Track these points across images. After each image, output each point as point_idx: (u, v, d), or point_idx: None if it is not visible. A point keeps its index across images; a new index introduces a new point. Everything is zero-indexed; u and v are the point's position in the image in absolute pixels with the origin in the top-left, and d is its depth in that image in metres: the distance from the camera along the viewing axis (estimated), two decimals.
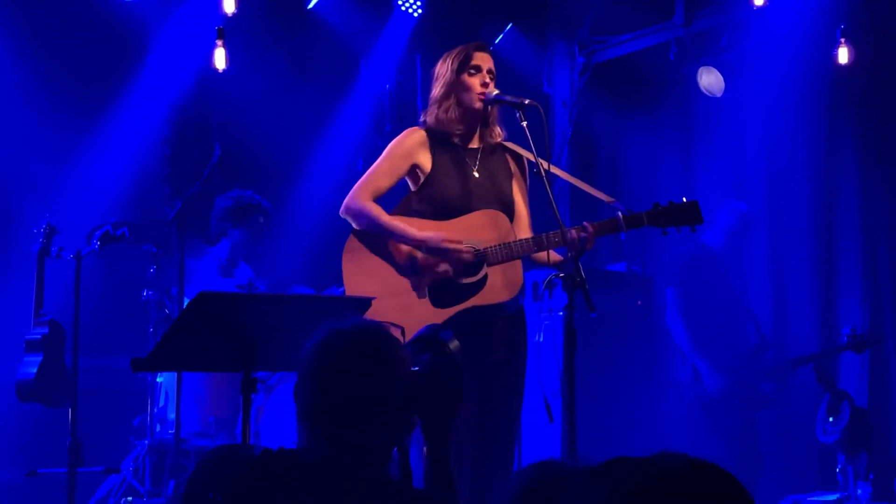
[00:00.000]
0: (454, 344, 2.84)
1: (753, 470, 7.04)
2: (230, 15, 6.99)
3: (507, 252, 4.44)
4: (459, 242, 4.44)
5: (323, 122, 8.63)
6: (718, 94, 8.19)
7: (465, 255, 4.44)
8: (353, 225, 4.60)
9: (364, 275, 4.54)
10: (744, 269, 7.89)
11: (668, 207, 4.47)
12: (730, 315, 7.33)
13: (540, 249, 4.46)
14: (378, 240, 4.55)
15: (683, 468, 1.49)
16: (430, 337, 2.84)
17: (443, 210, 4.54)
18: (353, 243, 4.61)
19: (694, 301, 7.22)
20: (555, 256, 4.54)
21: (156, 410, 6.64)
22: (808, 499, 6.85)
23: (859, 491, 6.79)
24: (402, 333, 2.89)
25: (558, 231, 4.35)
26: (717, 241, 7.39)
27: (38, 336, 6.45)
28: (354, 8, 8.49)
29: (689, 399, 7.23)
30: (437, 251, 4.44)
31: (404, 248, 4.52)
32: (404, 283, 4.50)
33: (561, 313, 4.41)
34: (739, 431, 7.15)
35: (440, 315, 4.39)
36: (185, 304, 5.91)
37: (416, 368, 2.74)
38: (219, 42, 6.87)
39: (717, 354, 7.11)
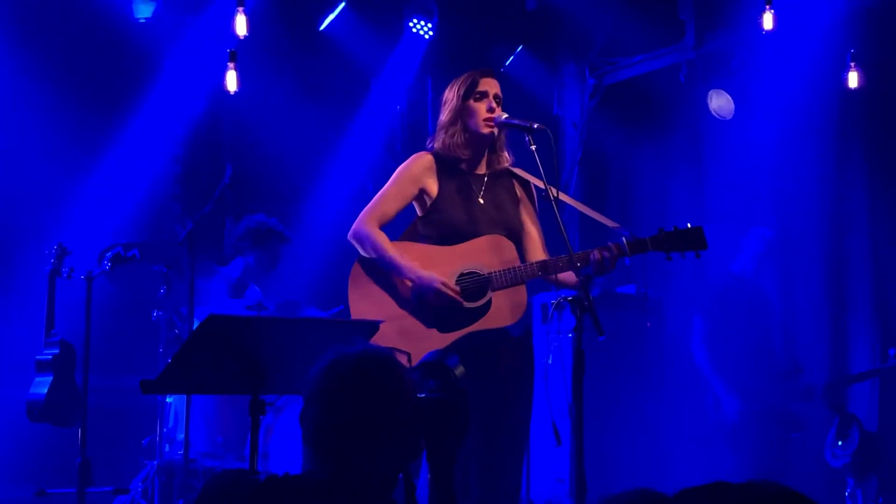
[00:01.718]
0: (460, 370, 2.84)
1: None
2: (242, 37, 7.02)
3: (512, 277, 4.44)
4: (455, 289, 4.45)
5: (334, 143, 8.66)
6: (728, 117, 8.20)
7: (458, 300, 4.46)
8: (360, 251, 4.62)
9: (369, 300, 4.55)
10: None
11: (672, 233, 4.45)
12: (760, 341, 7.30)
13: (546, 273, 4.47)
14: (382, 266, 4.56)
15: (781, 497, 1.52)
16: (437, 363, 2.85)
17: (448, 236, 4.55)
18: (358, 269, 4.62)
19: (722, 329, 7.20)
20: (570, 279, 4.53)
21: (165, 431, 6.65)
22: None
23: None
24: (409, 359, 2.90)
25: (566, 255, 4.36)
26: (747, 268, 7.37)
27: (49, 356, 6.47)
28: (366, 30, 8.52)
29: (710, 423, 7.23)
30: (432, 293, 4.45)
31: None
32: (409, 308, 4.51)
33: (570, 335, 4.40)
34: (758, 455, 7.13)
35: (444, 340, 4.39)
36: (195, 324, 5.93)
37: (423, 395, 2.75)
38: (230, 64, 6.90)
39: (742, 380, 7.08)
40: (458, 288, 4.45)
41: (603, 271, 4.36)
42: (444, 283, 4.43)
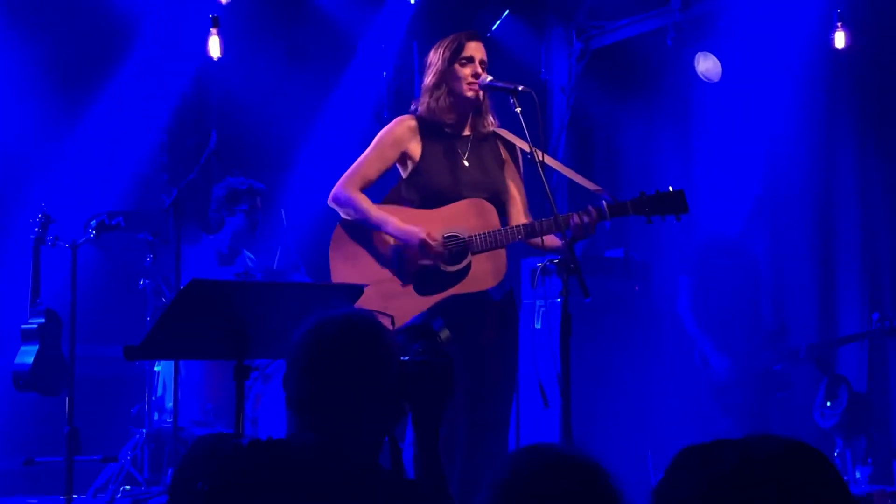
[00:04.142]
0: (445, 333, 2.84)
1: None
2: (226, 3, 6.96)
3: (492, 240, 4.43)
4: (439, 245, 4.44)
5: (320, 109, 8.61)
6: (716, 80, 8.17)
7: (437, 255, 4.44)
8: (341, 214, 4.60)
9: (349, 263, 4.55)
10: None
11: (653, 196, 4.44)
12: (746, 301, 7.28)
13: (529, 236, 4.46)
14: (364, 229, 4.55)
15: (782, 452, 1.51)
16: (421, 326, 2.84)
17: (431, 199, 4.54)
18: (339, 232, 4.62)
19: (708, 289, 7.18)
20: (554, 242, 4.53)
21: (154, 399, 6.64)
22: None
23: (858, 475, 6.80)
24: (392, 322, 2.88)
25: (550, 218, 4.35)
26: (735, 228, 7.34)
27: (35, 325, 6.44)
28: None
29: (698, 384, 7.23)
30: (416, 247, 4.44)
31: (389, 237, 4.53)
32: (389, 271, 4.50)
33: (558, 300, 4.40)
34: (747, 415, 7.13)
35: (424, 303, 4.39)
36: None
37: (407, 358, 2.73)
38: (213, 30, 6.84)
39: (728, 340, 7.07)
40: (441, 241, 4.44)
41: (584, 234, 4.37)
42: (429, 235, 4.42)
